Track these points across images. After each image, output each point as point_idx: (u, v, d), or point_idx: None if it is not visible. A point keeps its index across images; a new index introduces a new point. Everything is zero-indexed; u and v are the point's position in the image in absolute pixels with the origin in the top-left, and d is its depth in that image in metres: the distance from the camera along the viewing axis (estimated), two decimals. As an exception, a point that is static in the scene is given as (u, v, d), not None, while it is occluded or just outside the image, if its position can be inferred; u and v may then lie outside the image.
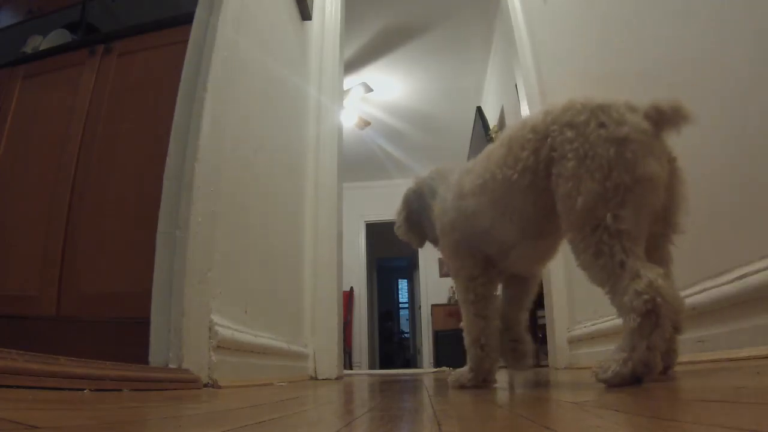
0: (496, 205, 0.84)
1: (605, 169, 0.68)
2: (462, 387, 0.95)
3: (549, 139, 0.76)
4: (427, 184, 1.09)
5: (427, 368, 5.76)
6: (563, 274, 2.13)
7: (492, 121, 4.67)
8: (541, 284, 2.32)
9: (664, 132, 0.71)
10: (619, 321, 0.71)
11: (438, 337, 5.74)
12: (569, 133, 0.73)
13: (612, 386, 0.66)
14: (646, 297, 0.63)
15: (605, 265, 0.68)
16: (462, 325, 0.94)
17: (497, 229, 0.86)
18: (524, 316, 1.01)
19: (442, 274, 6.72)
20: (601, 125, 0.71)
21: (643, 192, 0.68)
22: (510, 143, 0.82)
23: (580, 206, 0.70)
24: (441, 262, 6.86)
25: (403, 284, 10.46)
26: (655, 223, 0.73)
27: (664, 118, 0.70)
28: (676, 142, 0.74)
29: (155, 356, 1.04)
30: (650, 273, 0.65)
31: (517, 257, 0.89)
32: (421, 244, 1.18)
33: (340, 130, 2.51)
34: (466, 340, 0.93)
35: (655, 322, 0.63)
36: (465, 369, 0.95)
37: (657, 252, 0.76)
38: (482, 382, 0.93)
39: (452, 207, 0.94)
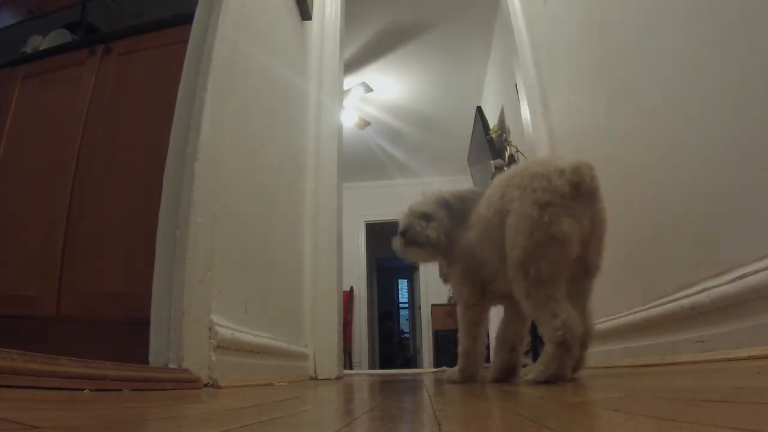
0: (483, 236, 1.01)
1: (530, 228, 0.85)
2: (453, 383, 1.14)
3: (508, 191, 0.93)
4: (467, 199, 1.15)
5: (427, 368, 5.76)
6: (563, 274, 2.12)
7: (492, 121, 4.66)
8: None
9: (588, 190, 0.87)
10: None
11: (438, 337, 5.74)
12: (516, 193, 0.90)
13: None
14: (560, 333, 0.83)
15: (534, 304, 0.88)
16: (458, 336, 1.15)
17: (486, 255, 1.03)
18: (523, 341, 1.15)
19: (442, 274, 6.70)
20: (534, 190, 0.87)
21: (557, 248, 0.84)
22: (491, 190, 1.01)
23: (514, 258, 0.89)
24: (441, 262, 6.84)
25: (403, 284, 10.46)
26: (575, 266, 0.90)
27: (580, 181, 0.86)
28: (677, 140, 0.74)
29: (155, 356, 1.04)
30: (564, 314, 0.84)
31: (501, 280, 1.02)
32: (429, 259, 1.27)
33: (340, 130, 2.51)
34: (459, 350, 1.14)
35: (565, 349, 0.84)
36: (456, 369, 1.16)
37: (578, 287, 0.94)
38: (468, 380, 1.13)
39: (465, 236, 1.09)
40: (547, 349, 0.85)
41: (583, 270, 0.92)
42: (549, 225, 0.83)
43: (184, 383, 0.98)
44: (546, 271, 0.84)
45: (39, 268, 1.47)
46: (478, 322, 1.11)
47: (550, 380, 0.85)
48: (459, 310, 1.14)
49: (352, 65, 4.53)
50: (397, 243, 1.21)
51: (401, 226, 1.19)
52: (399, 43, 4.37)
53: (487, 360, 1.27)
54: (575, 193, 0.86)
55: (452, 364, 1.33)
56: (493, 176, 4.00)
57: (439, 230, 1.15)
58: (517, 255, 0.88)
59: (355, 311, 6.59)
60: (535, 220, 0.85)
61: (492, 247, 0.97)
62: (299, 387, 1.36)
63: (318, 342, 2.11)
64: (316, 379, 2.02)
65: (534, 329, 1.12)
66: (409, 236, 1.17)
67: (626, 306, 1.47)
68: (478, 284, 1.08)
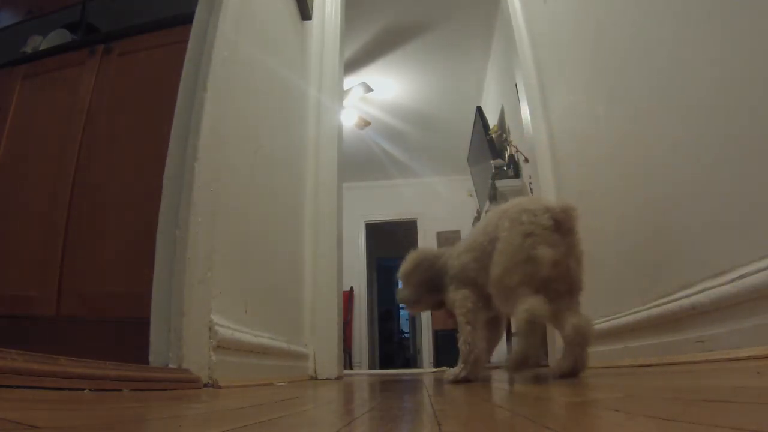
0: (478, 260, 1.18)
1: (512, 251, 1.03)
2: (456, 381, 1.17)
3: (500, 222, 1.10)
4: (429, 256, 1.40)
5: (427, 368, 5.76)
6: (563, 274, 2.12)
7: (492, 121, 4.66)
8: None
9: (567, 227, 1.04)
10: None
11: (438, 337, 5.74)
12: (507, 224, 1.07)
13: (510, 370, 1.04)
14: (526, 313, 0.98)
15: (506, 303, 1.07)
16: (458, 335, 1.23)
17: (478, 275, 1.18)
18: (493, 347, 1.39)
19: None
20: (521, 223, 1.04)
21: (530, 266, 1.00)
22: (487, 220, 1.19)
23: (494, 275, 1.06)
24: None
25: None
26: (561, 286, 1.04)
27: (563, 219, 1.03)
28: (676, 140, 0.74)
29: (155, 356, 1.04)
30: (529, 301, 0.99)
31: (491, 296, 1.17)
32: (420, 310, 1.53)
33: (340, 130, 2.51)
34: (459, 341, 1.20)
35: (531, 328, 0.98)
36: (457, 367, 1.19)
37: (566, 302, 1.05)
38: (471, 374, 1.17)
39: (456, 262, 1.27)
40: (519, 332, 1.00)
41: (568, 289, 1.05)
42: (529, 249, 1.01)
43: (184, 383, 0.98)
44: (517, 280, 1.01)
45: (39, 268, 1.47)
46: (476, 311, 1.21)
47: (521, 360, 1.00)
48: (458, 310, 1.24)
49: (352, 65, 4.53)
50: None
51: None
52: (399, 43, 4.37)
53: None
54: (556, 228, 1.03)
55: (452, 364, 1.40)
56: (493, 176, 4.02)
57: (410, 290, 1.40)
58: (497, 272, 1.06)
59: (355, 311, 6.59)
60: (517, 245, 1.03)
61: (482, 266, 1.15)
62: (299, 387, 1.36)
63: (318, 342, 2.11)
64: (316, 379, 2.02)
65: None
66: (398, 299, 1.46)
67: (626, 306, 1.47)
68: (476, 290, 1.22)
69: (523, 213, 1.05)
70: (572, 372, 1.02)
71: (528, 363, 1.08)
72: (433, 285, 1.34)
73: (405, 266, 1.41)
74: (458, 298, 1.24)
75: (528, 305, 0.98)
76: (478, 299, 1.21)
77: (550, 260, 1.00)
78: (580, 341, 1.02)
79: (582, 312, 1.07)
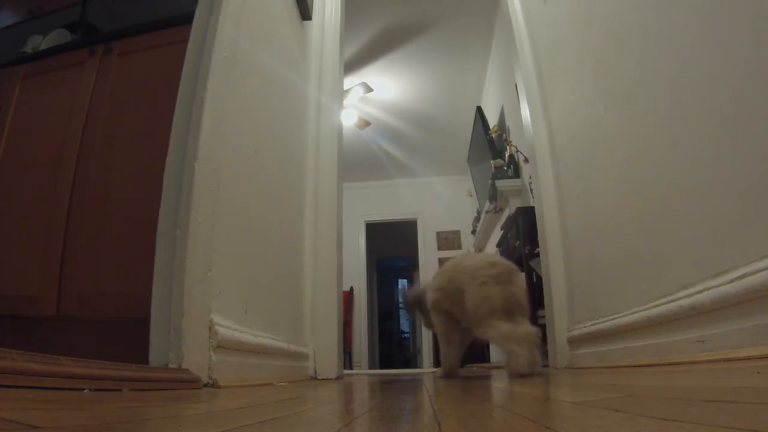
0: (445, 298, 1.68)
1: (476, 296, 1.49)
2: (440, 378, 1.69)
3: (459, 275, 1.59)
4: (415, 293, 2.01)
5: (427, 368, 5.76)
6: (563, 274, 2.13)
7: (492, 121, 4.67)
8: (541, 284, 2.33)
9: (506, 279, 1.49)
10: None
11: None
12: (466, 279, 1.54)
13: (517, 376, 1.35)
14: (501, 337, 1.41)
15: (482, 330, 1.48)
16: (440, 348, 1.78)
17: (448, 306, 1.69)
18: (461, 354, 1.84)
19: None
20: (476, 277, 1.51)
21: (488, 302, 1.45)
22: (448, 271, 1.69)
23: (470, 311, 1.51)
24: (441, 262, 6.87)
25: (403, 284, 10.46)
26: (515, 310, 1.47)
27: (503, 271, 1.50)
28: (676, 139, 0.74)
29: (155, 356, 1.04)
30: (499, 327, 1.42)
31: (459, 315, 1.67)
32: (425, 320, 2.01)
33: (340, 130, 2.51)
34: (441, 356, 1.76)
35: (517, 344, 1.37)
36: (439, 370, 1.77)
37: (520, 320, 1.46)
38: (446, 376, 1.70)
39: (432, 296, 1.74)
40: (506, 349, 1.40)
41: (519, 312, 1.47)
42: (484, 292, 1.47)
43: (184, 383, 0.98)
44: (483, 312, 1.46)
45: (39, 268, 1.47)
46: (451, 332, 1.73)
47: (525, 372, 1.33)
48: (439, 333, 1.76)
49: (352, 65, 4.53)
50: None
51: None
52: (399, 43, 4.38)
53: (471, 361, 1.77)
54: (499, 275, 1.49)
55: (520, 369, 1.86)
56: (493, 176, 4.02)
57: (410, 311, 2.28)
58: (471, 309, 1.50)
59: (355, 311, 6.59)
60: (477, 291, 1.49)
61: (451, 302, 1.65)
62: (299, 387, 1.36)
63: (318, 342, 2.11)
64: (316, 379, 2.02)
65: (533, 317, 1.78)
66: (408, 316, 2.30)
67: (626, 306, 1.47)
68: (447, 315, 1.71)
69: (476, 270, 1.53)
70: (530, 370, 1.33)
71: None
72: (422, 308, 1.91)
73: (406, 299, 2.17)
74: (437, 322, 1.75)
75: (499, 331, 1.42)
76: (451, 322, 1.70)
77: (498, 296, 1.45)
78: (529, 345, 1.36)
79: (531, 325, 1.46)
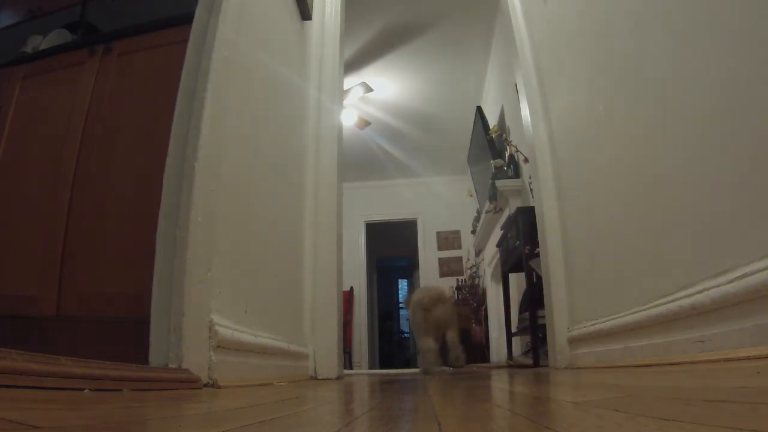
0: (417, 319, 2.41)
1: (416, 316, 2.39)
2: (424, 374, 2.27)
3: (419, 305, 2.42)
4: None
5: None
6: (563, 274, 2.13)
7: (492, 120, 4.67)
8: (541, 284, 2.33)
9: (432, 305, 2.39)
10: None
11: (438, 337, 5.73)
12: (414, 306, 2.43)
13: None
14: (423, 346, 2.39)
15: (419, 342, 2.43)
16: (419, 349, 2.48)
17: (420, 323, 2.39)
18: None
19: (443, 274, 6.73)
20: (417, 303, 2.43)
21: (441, 320, 2.36)
22: (414, 303, 2.47)
23: (413, 328, 2.32)
24: (441, 262, 6.88)
25: (403, 284, 10.46)
26: (446, 325, 2.40)
27: (432, 298, 2.42)
28: (677, 139, 0.74)
29: (155, 356, 1.04)
30: (418, 344, 2.43)
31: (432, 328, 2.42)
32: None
33: (340, 129, 2.51)
34: (419, 357, 2.16)
35: (426, 352, 2.35)
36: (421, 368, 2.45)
37: (450, 335, 2.33)
38: (426, 373, 2.27)
39: (411, 316, 2.43)
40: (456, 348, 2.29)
41: (446, 326, 2.16)
42: (420, 314, 2.25)
43: (184, 383, 0.98)
44: (419, 329, 2.35)
45: (39, 268, 1.47)
46: (428, 339, 2.32)
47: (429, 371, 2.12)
48: (417, 339, 2.40)
49: (352, 65, 4.53)
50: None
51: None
52: (399, 43, 4.37)
53: (471, 361, 2.54)
54: (430, 303, 2.30)
55: (451, 364, 2.42)
56: (493, 176, 4.03)
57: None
58: (413, 327, 2.14)
59: (355, 311, 6.59)
60: (417, 313, 2.31)
61: (420, 321, 2.34)
62: (299, 387, 1.36)
63: (318, 342, 2.11)
64: (316, 378, 2.02)
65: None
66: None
67: (626, 306, 1.47)
68: (423, 327, 2.36)
69: (417, 301, 2.36)
70: (458, 365, 2.22)
71: (435, 369, 2.32)
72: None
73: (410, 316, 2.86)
74: (417, 335, 2.43)
75: (424, 342, 2.22)
76: (428, 333, 2.33)
77: (427, 317, 2.23)
78: (454, 347, 2.13)
79: (455, 335, 2.28)
